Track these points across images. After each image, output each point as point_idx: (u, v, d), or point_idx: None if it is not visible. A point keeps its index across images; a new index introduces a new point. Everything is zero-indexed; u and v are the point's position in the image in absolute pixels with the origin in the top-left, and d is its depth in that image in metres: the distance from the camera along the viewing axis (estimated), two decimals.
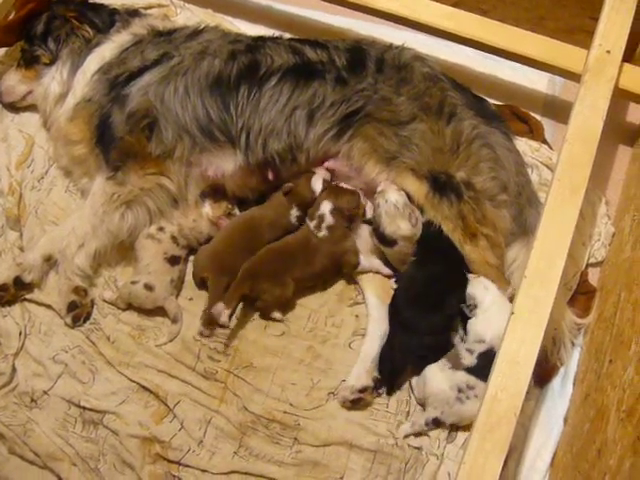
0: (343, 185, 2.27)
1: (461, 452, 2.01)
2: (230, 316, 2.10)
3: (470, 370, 2.02)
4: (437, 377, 2.04)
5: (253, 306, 2.22)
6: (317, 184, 2.26)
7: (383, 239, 2.17)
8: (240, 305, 2.20)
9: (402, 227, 2.13)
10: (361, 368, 2.13)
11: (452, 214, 2.13)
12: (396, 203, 2.13)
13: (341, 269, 2.26)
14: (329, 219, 2.21)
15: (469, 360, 2.04)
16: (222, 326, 2.13)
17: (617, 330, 1.98)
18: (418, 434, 2.08)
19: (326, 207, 2.22)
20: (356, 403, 2.10)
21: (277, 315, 2.23)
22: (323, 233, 2.21)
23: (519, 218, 2.22)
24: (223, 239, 2.25)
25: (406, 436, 2.08)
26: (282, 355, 2.19)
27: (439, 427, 2.06)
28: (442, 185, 2.15)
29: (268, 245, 2.23)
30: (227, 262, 2.20)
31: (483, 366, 1.96)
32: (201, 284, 2.26)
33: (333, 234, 2.22)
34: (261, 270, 2.17)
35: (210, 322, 2.16)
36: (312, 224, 2.23)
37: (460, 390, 2.01)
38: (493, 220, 2.14)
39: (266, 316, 2.24)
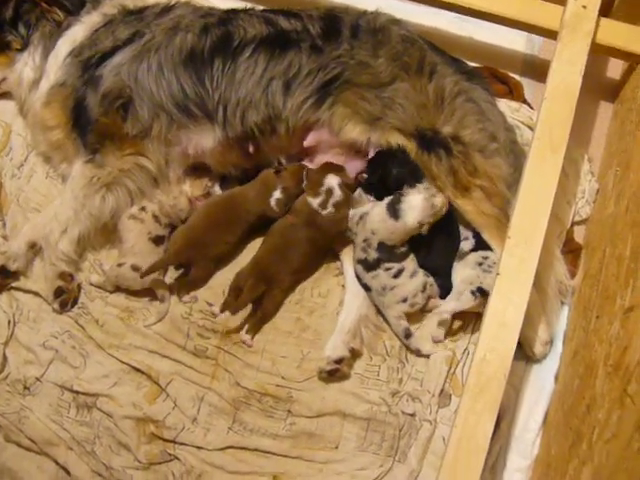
0: (333, 162, 2.22)
1: (454, 416, 2.03)
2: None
3: (474, 249, 2.15)
4: (457, 271, 2.17)
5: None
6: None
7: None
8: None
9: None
10: (338, 339, 2.12)
11: (442, 170, 2.11)
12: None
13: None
14: (337, 194, 2.16)
15: (469, 244, 2.16)
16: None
17: (603, 286, 1.98)
18: (414, 398, 2.09)
19: (333, 181, 2.17)
20: (332, 374, 2.10)
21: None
22: (329, 210, 2.17)
23: (518, 167, 2.17)
24: (201, 219, 2.22)
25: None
26: (270, 329, 2.19)
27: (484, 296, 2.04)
28: (429, 141, 2.13)
29: (269, 240, 2.19)
30: (205, 242, 2.17)
31: (481, 241, 2.14)
32: (178, 266, 2.23)
33: (338, 211, 2.17)
34: (273, 270, 2.14)
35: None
36: (316, 202, 2.17)
37: (480, 264, 2.13)
38: (486, 170, 2.13)
39: (261, 324, 2.19)
